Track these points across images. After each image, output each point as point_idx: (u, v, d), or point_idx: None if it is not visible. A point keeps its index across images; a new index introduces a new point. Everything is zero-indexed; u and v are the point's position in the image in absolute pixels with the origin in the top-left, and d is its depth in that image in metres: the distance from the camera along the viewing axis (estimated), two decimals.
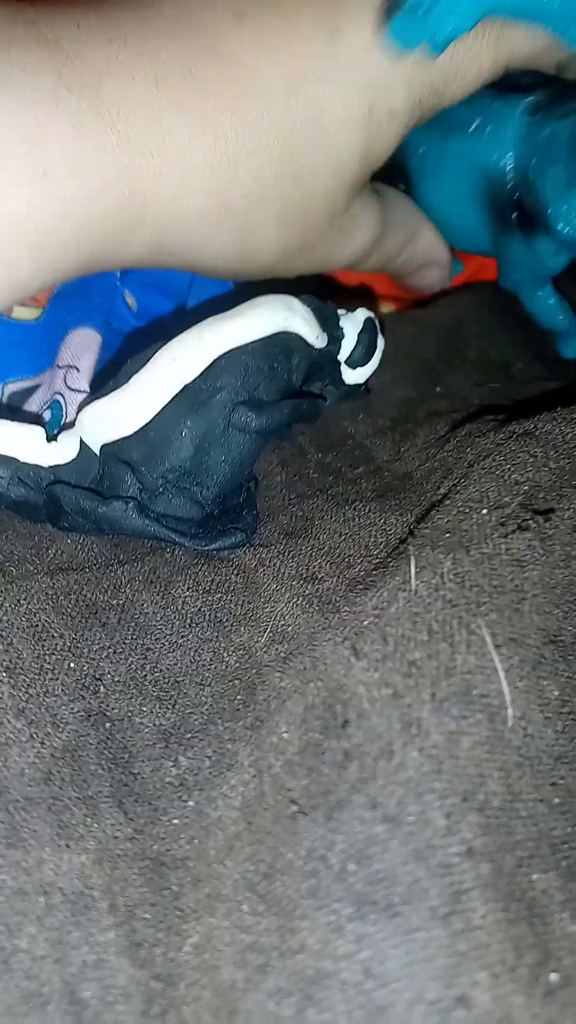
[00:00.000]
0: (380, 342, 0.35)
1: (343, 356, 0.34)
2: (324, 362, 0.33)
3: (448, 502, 0.28)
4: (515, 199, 0.39)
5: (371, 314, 0.34)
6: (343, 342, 0.34)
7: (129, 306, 0.42)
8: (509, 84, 0.37)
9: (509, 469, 0.28)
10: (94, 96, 0.29)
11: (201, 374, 0.29)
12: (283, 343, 0.31)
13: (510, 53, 0.33)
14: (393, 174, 0.41)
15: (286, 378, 0.31)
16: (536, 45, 0.34)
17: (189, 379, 0.29)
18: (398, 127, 0.34)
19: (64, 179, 0.28)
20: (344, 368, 0.34)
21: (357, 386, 0.35)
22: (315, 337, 0.32)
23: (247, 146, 0.31)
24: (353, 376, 0.35)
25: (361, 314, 0.34)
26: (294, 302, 0.31)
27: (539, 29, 0.33)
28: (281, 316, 0.30)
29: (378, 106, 0.32)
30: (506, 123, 0.38)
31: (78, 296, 0.38)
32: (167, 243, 0.32)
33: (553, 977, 0.20)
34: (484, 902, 0.20)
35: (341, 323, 0.34)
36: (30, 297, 0.31)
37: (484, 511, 0.27)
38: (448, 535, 0.27)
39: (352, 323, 0.34)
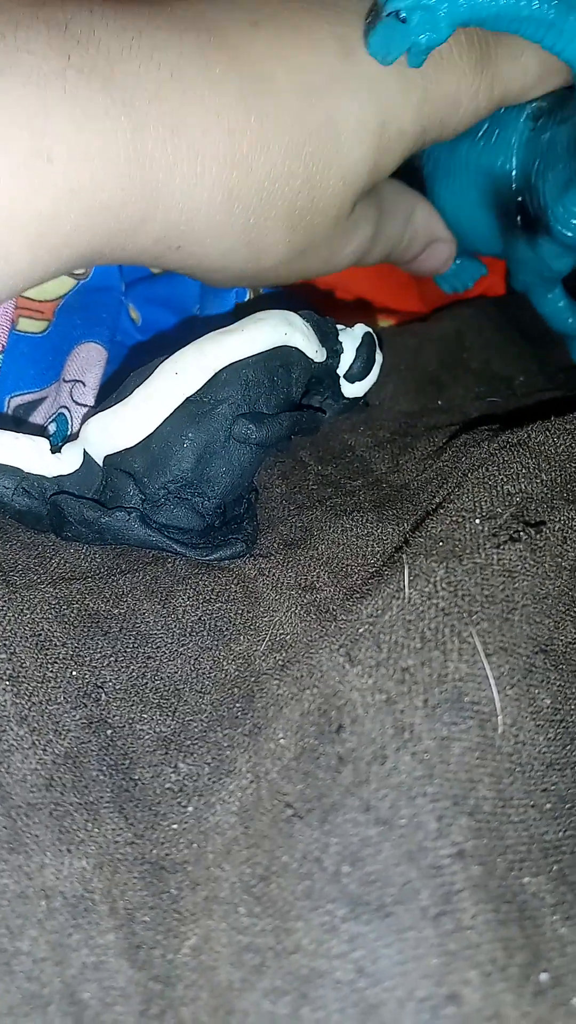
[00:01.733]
0: (378, 357, 0.35)
1: (342, 370, 0.34)
2: (323, 376, 0.34)
3: (442, 511, 0.29)
4: (519, 202, 0.39)
5: (369, 329, 0.35)
6: (342, 356, 0.34)
7: (133, 320, 0.43)
8: None
9: (502, 480, 0.29)
10: (105, 80, 0.28)
11: (203, 387, 0.30)
12: (283, 357, 0.31)
13: (504, 91, 0.35)
14: (409, 178, 0.42)
15: (286, 391, 0.32)
16: (527, 82, 0.35)
17: (191, 392, 0.30)
18: (405, 147, 0.34)
19: (69, 164, 0.28)
20: (343, 382, 0.35)
21: (356, 399, 0.36)
22: (314, 351, 0.32)
23: (261, 143, 0.31)
24: (352, 390, 0.35)
25: (359, 329, 0.35)
26: (294, 317, 0.32)
27: (528, 54, 0.34)
28: (281, 331, 0.31)
29: (390, 124, 0.33)
30: (511, 128, 0.38)
31: (84, 310, 0.39)
32: (175, 237, 0.32)
33: (543, 977, 0.20)
34: (475, 903, 0.21)
35: (340, 338, 0.34)
36: (30, 287, 0.31)
37: (477, 521, 0.27)
38: (441, 544, 0.27)
39: (351, 338, 0.34)
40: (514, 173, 0.39)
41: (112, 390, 0.32)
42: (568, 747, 0.24)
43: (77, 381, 0.37)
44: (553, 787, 0.23)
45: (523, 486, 0.28)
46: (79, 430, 0.32)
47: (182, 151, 0.30)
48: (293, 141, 0.31)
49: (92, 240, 0.30)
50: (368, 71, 0.32)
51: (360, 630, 0.25)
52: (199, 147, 0.30)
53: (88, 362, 0.37)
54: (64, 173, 0.28)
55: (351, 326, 0.35)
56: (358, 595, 0.29)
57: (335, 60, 0.32)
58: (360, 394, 0.36)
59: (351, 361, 0.34)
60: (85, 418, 0.35)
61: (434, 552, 0.27)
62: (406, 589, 0.25)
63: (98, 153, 0.28)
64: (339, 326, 0.34)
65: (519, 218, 0.40)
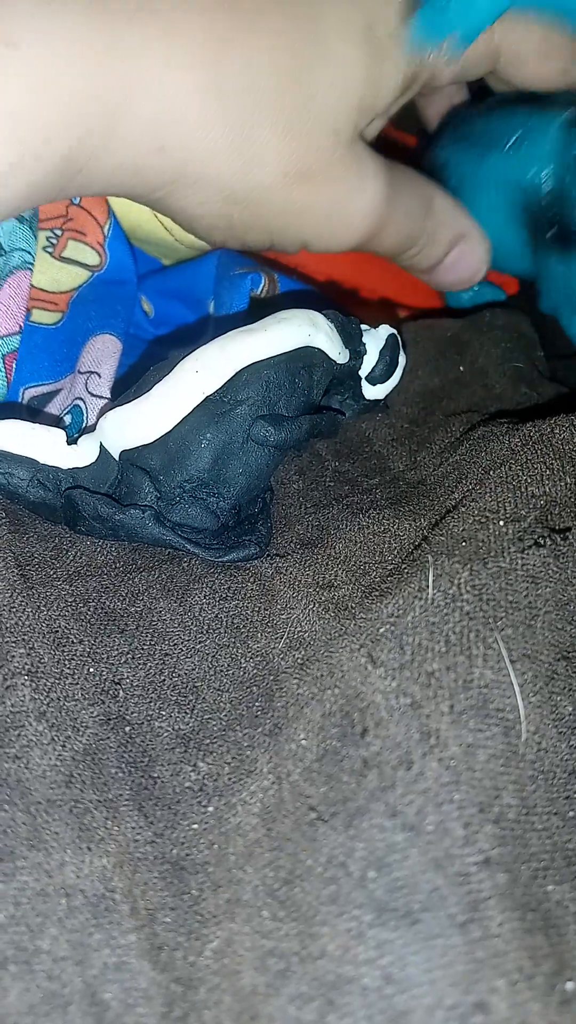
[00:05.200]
0: (402, 359, 0.35)
1: (364, 372, 0.34)
2: (345, 377, 0.34)
3: (464, 509, 0.29)
4: (552, 216, 0.39)
5: (394, 331, 0.34)
6: (365, 358, 0.34)
7: (146, 313, 0.43)
8: (547, 100, 0.37)
9: (526, 480, 0.28)
10: None
11: (223, 386, 0.30)
12: (306, 358, 0.31)
13: (501, 41, 0.34)
14: None
15: (306, 393, 0.31)
16: (530, 44, 0.34)
17: (211, 391, 0.30)
18: (399, 60, 0.33)
19: (34, 48, 0.27)
20: (365, 383, 0.34)
21: (376, 401, 0.36)
22: (338, 353, 0.32)
23: (239, 24, 0.30)
24: (373, 392, 0.35)
25: (384, 331, 0.34)
26: (318, 317, 0.31)
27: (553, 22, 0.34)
28: (305, 331, 0.31)
29: (376, 25, 0.32)
30: (543, 138, 0.37)
31: (98, 301, 0.38)
32: (157, 134, 0.30)
33: (569, 986, 0.20)
34: (501, 911, 0.21)
35: (364, 339, 0.34)
36: (15, 212, 0.30)
37: (501, 523, 0.27)
38: (464, 544, 0.27)
39: (375, 339, 0.34)
40: (546, 185, 0.38)
41: (127, 383, 0.32)
42: None
43: (92, 372, 0.36)
44: (575, 795, 0.24)
45: (547, 488, 0.28)
46: (95, 422, 0.32)
47: (152, 28, 0.29)
48: (274, 28, 0.30)
49: (71, 139, 0.29)
50: None
51: (381, 630, 0.25)
52: (170, 24, 0.29)
53: (103, 353, 0.37)
54: (31, 58, 0.27)
55: (375, 326, 0.34)
56: (377, 593, 0.28)
57: None
58: (381, 396, 0.35)
59: (374, 363, 0.34)
60: (102, 410, 0.34)
61: (457, 553, 0.27)
62: (429, 590, 0.25)
63: (63, 34, 0.27)
64: (363, 327, 0.34)
65: (551, 233, 0.39)
